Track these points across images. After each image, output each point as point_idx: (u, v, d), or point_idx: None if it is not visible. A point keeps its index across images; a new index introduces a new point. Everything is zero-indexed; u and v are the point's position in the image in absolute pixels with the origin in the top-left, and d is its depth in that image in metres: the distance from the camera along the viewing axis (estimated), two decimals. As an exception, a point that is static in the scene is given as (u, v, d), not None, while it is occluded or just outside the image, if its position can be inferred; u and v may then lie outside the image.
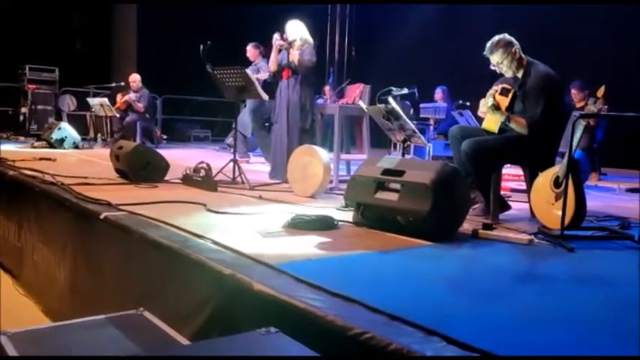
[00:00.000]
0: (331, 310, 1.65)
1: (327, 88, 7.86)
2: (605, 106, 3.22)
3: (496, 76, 3.75)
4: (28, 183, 4.17)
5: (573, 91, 6.42)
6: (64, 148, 7.83)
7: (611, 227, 3.20)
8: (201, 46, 6.47)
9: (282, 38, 4.98)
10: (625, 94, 6.67)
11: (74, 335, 1.60)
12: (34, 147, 7.84)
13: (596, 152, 6.43)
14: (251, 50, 7.17)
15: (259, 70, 6.83)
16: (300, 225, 2.92)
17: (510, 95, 3.60)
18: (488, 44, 3.58)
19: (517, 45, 3.56)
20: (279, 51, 5.05)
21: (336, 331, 1.57)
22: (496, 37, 3.58)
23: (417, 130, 3.87)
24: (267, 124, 10.87)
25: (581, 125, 2.94)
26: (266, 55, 6.74)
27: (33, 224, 3.95)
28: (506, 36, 3.58)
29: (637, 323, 1.70)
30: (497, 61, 3.57)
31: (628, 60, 7.75)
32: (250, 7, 11.08)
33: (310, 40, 5.04)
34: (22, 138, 9.46)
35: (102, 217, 2.97)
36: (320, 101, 6.20)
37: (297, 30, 5.01)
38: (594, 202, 3.96)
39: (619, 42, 7.72)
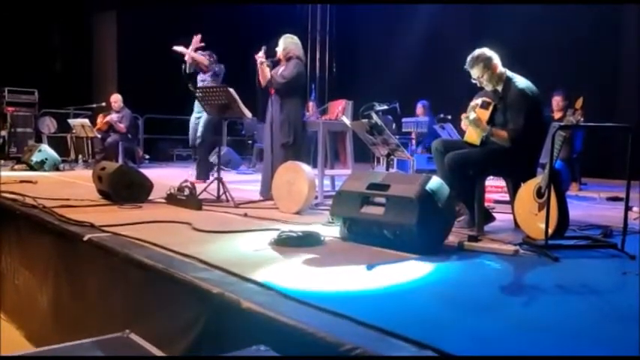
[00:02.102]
0: (321, 326, 1.64)
1: (310, 104, 7.88)
2: (581, 118, 3.27)
3: (477, 89, 3.79)
4: (9, 206, 4.10)
5: (557, 98, 6.45)
6: (45, 171, 7.72)
7: (594, 236, 3.24)
8: (183, 65, 6.49)
9: (264, 55, 4.94)
10: (600, 104, 6.83)
11: (59, 360, 1.56)
12: (14, 170, 7.73)
13: (576, 162, 6.52)
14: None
15: (217, 75, 6.65)
16: (286, 242, 2.91)
17: (491, 108, 3.65)
18: (469, 58, 3.62)
19: (497, 59, 3.61)
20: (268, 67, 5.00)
21: (326, 348, 1.56)
22: (476, 52, 3.62)
23: (400, 144, 3.90)
24: (249, 142, 10.82)
25: (560, 136, 2.99)
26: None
27: (14, 248, 3.88)
28: (487, 50, 3.62)
29: (622, 330, 1.72)
30: (478, 75, 3.61)
31: (603, 71, 7.92)
32: (231, 26, 11.11)
33: (297, 54, 4.98)
34: (1, 161, 9.29)
35: (85, 238, 2.93)
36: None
37: (281, 46, 4.98)
38: (576, 212, 4.01)
39: (594, 53, 7.89)
